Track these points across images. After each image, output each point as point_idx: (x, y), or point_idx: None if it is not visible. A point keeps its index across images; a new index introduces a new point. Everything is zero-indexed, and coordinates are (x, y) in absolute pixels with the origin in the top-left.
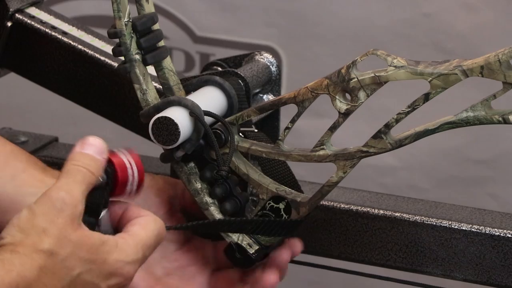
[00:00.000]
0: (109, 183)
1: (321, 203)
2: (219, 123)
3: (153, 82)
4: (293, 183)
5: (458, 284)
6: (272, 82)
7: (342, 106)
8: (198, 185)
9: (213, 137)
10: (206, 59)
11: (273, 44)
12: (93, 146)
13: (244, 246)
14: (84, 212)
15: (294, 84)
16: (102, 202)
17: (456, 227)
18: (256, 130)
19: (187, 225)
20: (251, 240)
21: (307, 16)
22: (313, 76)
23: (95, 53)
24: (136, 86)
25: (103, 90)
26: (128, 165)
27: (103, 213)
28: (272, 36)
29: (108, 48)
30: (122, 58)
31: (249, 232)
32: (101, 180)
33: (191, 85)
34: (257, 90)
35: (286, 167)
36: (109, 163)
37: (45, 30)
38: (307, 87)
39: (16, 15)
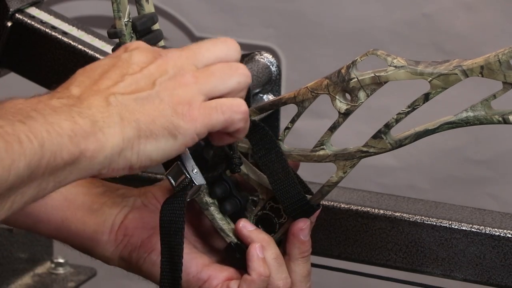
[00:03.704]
0: None
1: (321, 203)
2: None
3: None
4: (300, 184)
5: (458, 284)
6: (272, 82)
7: (342, 106)
8: None
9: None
10: None
11: (271, 45)
12: None
13: (244, 246)
14: None
15: (293, 85)
16: None
17: (456, 227)
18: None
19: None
20: None
21: (306, 16)
22: (311, 77)
23: (95, 53)
24: None
25: None
26: None
27: None
28: (270, 37)
29: (108, 48)
30: None
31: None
32: None
33: None
34: (257, 90)
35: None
36: None
37: (45, 30)
38: (307, 87)
39: (16, 15)
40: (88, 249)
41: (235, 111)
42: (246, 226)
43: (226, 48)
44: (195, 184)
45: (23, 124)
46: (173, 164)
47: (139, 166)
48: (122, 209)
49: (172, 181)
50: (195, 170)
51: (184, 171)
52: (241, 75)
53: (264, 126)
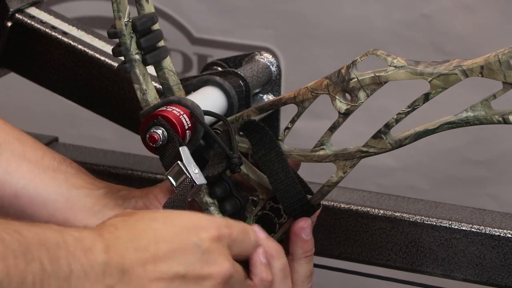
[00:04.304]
0: (174, 136)
1: (321, 203)
2: (219, 123)
3: (153, 82)
4: (301, 184)
5: (458, 284)
6: (272, 82)
7: (342, 106)
8: None
9: (214, 134)
10: (203, 60)
11: (270, 46)
12: None
13: None
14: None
15: (292, 86)
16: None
17: (456, 227)
18: None
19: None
20: None
21: (305, 17)
22: (311, 78)
23: (95, 53)
24: (136, 86)
25: (103, 90)
26: (179, 114)
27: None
28: (269, 38)
29: (108, 48)
30: (122, 58)
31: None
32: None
33: (191, 85)
34: (257, 90)
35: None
36: (165, 119)
37: (45, 30)
38: (307, 87)
39: (16, 15)
40: None
41: None
42: (258, 233)
43: None
44: (196, 184)
45: (41, 267)
46: (174, 164)
47: None
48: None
49: (173, 181)
50: (196, 170)
51: (185, 171)
52: None
53: (264, 126)
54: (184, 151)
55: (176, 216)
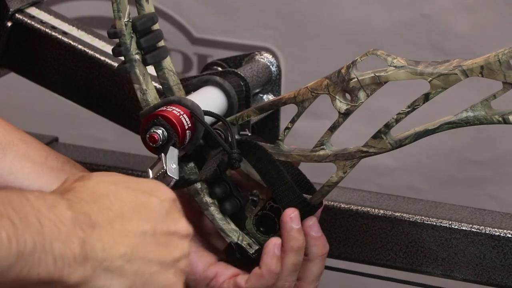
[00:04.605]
0: (174, 136)
1: (322, 201)
2: (219, 123)
3: (153, 82)
4: (304, 184)
5: (458, 284)
6: (272, 82)
7: (342, 106)
8: (198, 185)
9: (215, 134)
10: (203, 60)
11: (270, 46)
12: None
13: (244, 246)
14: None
15: (292, 86)
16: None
17: (456, 227)
18: (250, 134)
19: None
20: (251, 240)
21: (305, 17)
22: (310, 78)
23: (95, 53)
24: (136, 86)
25: (103, 90)
26: (179, 114)
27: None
28: (269, 38)
29: (108, 48)
30: (122, 58)
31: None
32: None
33: (191, 85)
34: (257, 90)
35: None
36: (165, 119)
37: (45, 30)
38: (307, 87)
39: (16, 15)
40: None
41: None
42: (294, 221)
43: None
44: (167, 174)
45: (11, 224)
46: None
47: None
48: None
49: (151, 174)
50: (174, 166)
51: (163, 161)
52: None
53: (249, 141)
54: (173, 150)
55: (134, 181)
